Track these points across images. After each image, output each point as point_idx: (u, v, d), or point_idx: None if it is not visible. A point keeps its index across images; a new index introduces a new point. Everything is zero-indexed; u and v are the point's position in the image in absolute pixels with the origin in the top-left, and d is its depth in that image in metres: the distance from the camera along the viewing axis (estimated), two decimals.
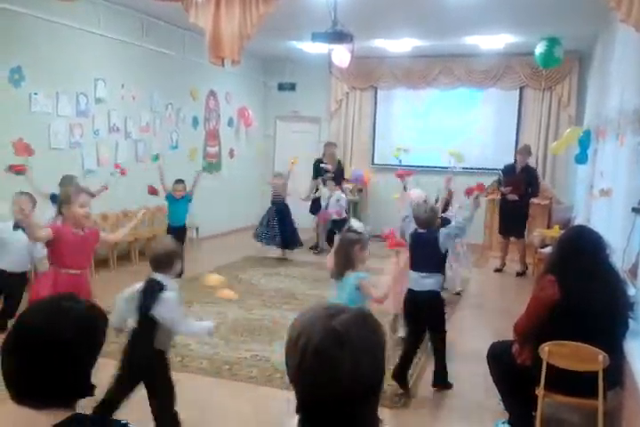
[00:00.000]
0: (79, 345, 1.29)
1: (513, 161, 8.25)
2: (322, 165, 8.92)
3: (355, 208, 9.54)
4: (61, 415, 1.27)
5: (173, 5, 5.19)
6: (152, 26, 8.01)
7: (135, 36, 7.74)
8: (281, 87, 11.34)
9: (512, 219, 7.67)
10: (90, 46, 7.01)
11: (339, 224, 7.91)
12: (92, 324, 1.34)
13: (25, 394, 1.27)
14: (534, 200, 8.12)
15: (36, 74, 6.27)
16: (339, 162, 9.48)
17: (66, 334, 1.27)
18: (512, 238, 7.82)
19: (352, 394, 1.08)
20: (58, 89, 6.57)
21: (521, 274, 7.71)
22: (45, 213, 5.10)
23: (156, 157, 7.09)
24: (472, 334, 5.44)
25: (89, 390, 1.34)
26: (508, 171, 7.89)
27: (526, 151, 7.86)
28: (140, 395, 2.99)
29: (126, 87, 7.67)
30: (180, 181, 6.81)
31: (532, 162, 8.40)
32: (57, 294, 1.47)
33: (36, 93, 6.28)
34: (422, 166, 10.05)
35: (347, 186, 9.45)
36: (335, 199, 8.43)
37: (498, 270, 7.90)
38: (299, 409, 1.13)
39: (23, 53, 6.11)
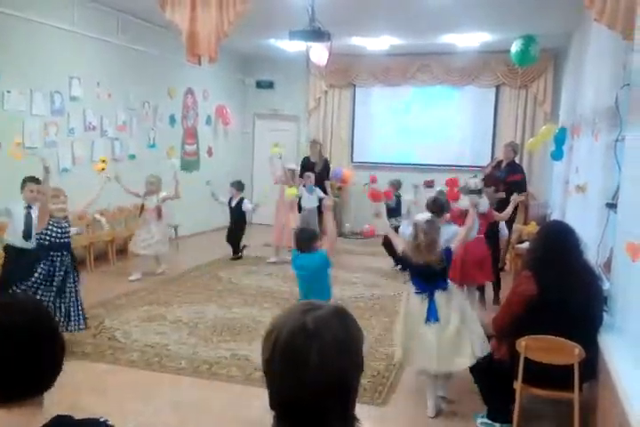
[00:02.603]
0: (34, 333, 1.25)
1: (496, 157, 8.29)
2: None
3: (334, 206, 9.50)
4: (41, 419, 1.23)
5: (149, 2, 5.14)
6: (128, 23, 7.91)
7: (111, 34, 7.64)
8: (259, 85, 11.30)
9: None
10: (64, 44, 6.91)
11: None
12: (38, 311, 1.30)
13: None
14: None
15: (9, 71, 6.15)
16: (325, 160, 9.48)
17: (20, 324, 1.23)
18: None
19: (320, 390, 1.07)
20: (32, 87, 6.46)
21: (499, 269, 7.76)
22: None
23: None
24: None
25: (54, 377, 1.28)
26: (496, 168, 7.97)
27: (511, 147, 7.88)
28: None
29: (102, 85, 7.57)
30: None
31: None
32: None
33: (9, 91, 6.17)
34: (400, 164, 10.14)
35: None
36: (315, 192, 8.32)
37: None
38: (272, 405, 1.13)
39: None
